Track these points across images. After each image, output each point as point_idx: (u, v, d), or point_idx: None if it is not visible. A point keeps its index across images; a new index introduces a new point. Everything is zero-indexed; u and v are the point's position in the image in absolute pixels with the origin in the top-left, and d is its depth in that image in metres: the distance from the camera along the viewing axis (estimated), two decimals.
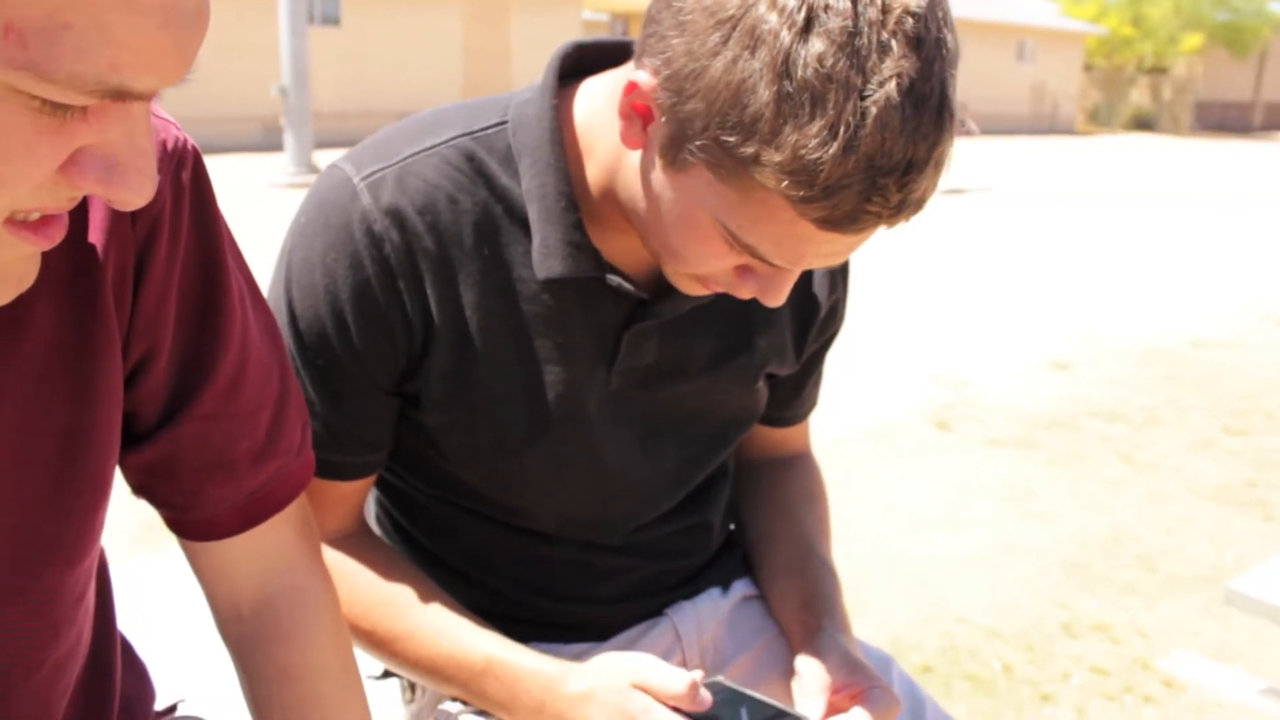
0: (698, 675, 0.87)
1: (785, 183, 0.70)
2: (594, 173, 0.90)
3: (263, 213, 9.56)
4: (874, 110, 0.68)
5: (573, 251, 0.90)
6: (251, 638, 0.80)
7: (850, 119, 0.68)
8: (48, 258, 0.62)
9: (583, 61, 0.94)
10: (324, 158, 13.73)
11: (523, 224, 0.91)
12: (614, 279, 0.91)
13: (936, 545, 3.15)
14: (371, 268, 0.88)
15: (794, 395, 1.16)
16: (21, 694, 0.67)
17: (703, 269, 0.83)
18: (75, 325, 0.64)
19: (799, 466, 1.21)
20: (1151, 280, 7.96)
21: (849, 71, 0.67)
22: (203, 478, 0.75)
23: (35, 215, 0.51)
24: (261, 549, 0.80)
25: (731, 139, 0.72)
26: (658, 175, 0.81)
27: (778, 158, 0.70)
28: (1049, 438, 4.22)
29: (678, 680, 0.85)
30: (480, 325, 0.92)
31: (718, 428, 1.06)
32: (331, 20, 18.89)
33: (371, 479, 1.00)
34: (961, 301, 6.94)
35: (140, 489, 0.77)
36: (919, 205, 0.74)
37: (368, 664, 1.09)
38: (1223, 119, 38.40)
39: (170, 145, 0.68)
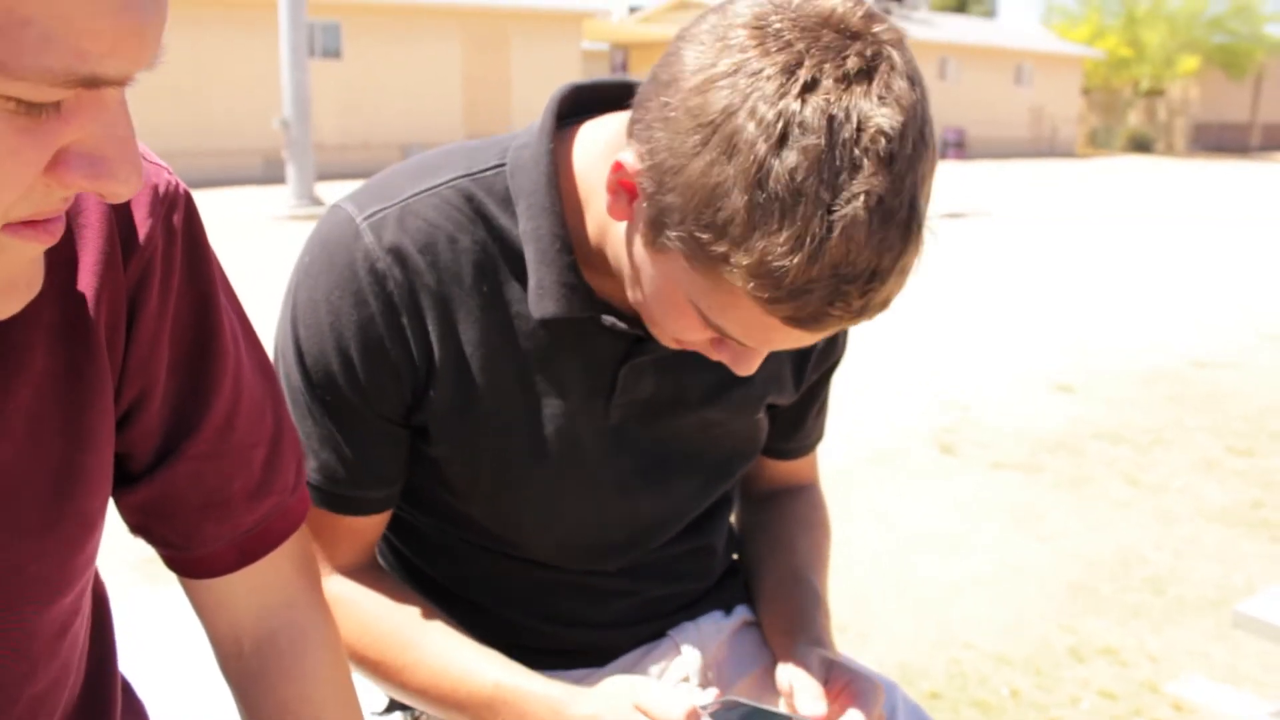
0: (703, 699, 0.86)
1: (752, 284, 0.73)
2: (590, 221, 0.92)
3: (265, 245, 9.60)
4: (840, 225, 0.70)
5: (567, 293, 0.91)
6: (252, 673, 0.80)
7: (816, 231, 0.70)
8: (42, 301, 0.62)
9: (580, 102, 0.96)
10: (326, 190, 13.79)
11: (520, 263, 0.93)
12: (608, 319, 0.93)
13: (942, 569, 3.14)
14: (375, 305, 0.90)
15: (796, 427, 1.16)
16: None
17: (678, 335, 0.86)
18: (69, 367, 0.64)
19: (801, 497, 1.21)
20: (1152, 301, 7.97)
21: (819, 187, 0.70)
22: (199, 516, 0.75)
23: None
24: (260, 585, 0.80)
25: (705, 236, 0.74)
26: (640, 250, 0.83)
27: (746, 261, 0.72)
28: (1053, 460, 4.21)
29: (678, 706, 0.85)
30: (480, 361, 0.93)
31: (719, 460, 1.06)
32: (332, 53, 19.03)
33: (386, 515, 1.01)
34: (964, 325, 6.95)
35: (137, 528, 0.77)
36: (883, 307, 0.77)
37: (371, 698, 1.09)
38: (1220, 140, 38.51)
39: (161, 189, 0.68)
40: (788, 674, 0.94)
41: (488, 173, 0.94)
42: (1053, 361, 5.95)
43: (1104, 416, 4.86)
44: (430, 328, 0.92)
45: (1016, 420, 4.77)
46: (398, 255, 0.90)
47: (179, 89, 17.07)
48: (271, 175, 17.24)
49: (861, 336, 5.58)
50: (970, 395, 5.18)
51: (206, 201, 13.84)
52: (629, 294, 0.88)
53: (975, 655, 2.62)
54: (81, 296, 0.64)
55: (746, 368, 0.86)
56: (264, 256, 8.65)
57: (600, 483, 1.00)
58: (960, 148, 28.44)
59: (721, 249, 0.73)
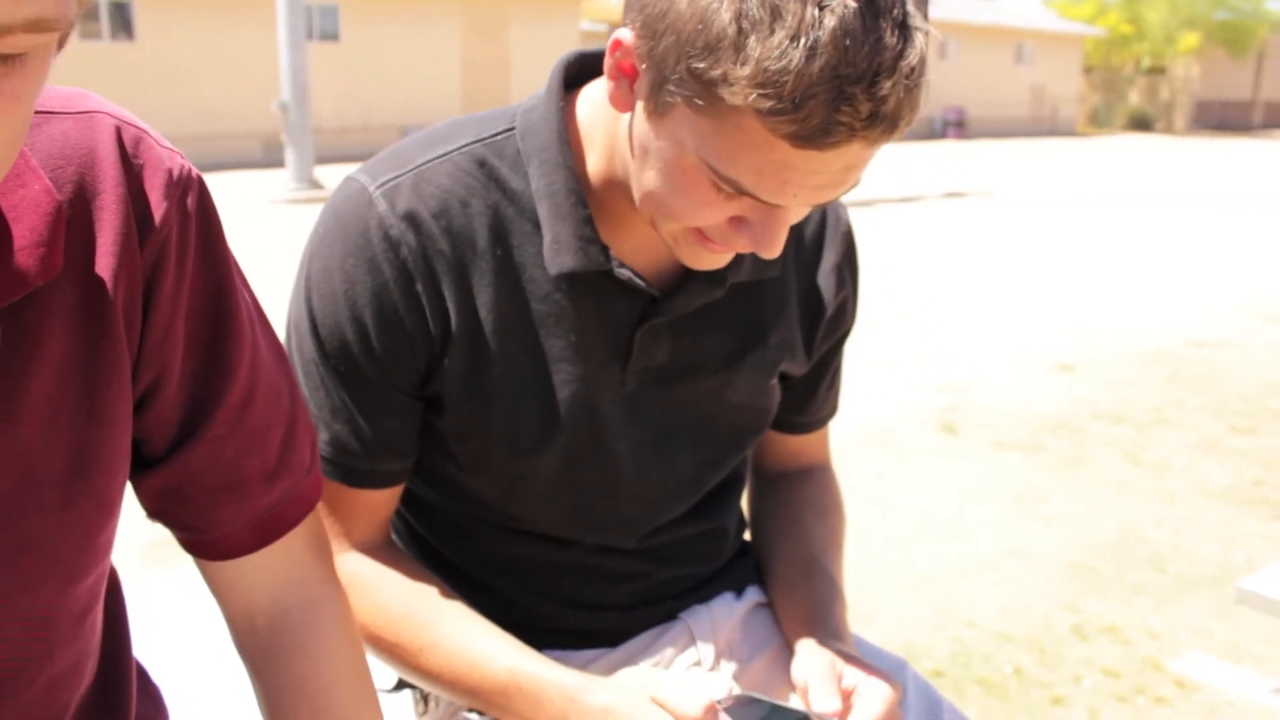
0: (717, 690, 0.87)
1: (753, 96, 0.72)
2: (596, 165, 0.93)
3: (265, 229, 9.59)
4: (831, 19, 0.69)
5: (584, 246, 0.92)
6: (266, 650, 0.81)
7: (809, 28, 0.69)
8: (61, 284, 0.63)
9: (584, 70, 0.97)
10: (325, 173, 13.77)
11: (534, 224, 0.94)
12: (624, 272, 0.93)
13: (944, 549, 3.15)
14: (389, 271, 0.90)
15: (808, 398, 1.16)
16: (10, 710, 0.67)
17: (695, 221, 0.84)
18: (87, 348, 0.65)
19: (814, 479, 1.20)
20: (1153, 281, 7.97)
21: None
22: (215, 499, 0.76)
23: None
24: (275, 565, 0.80)
25: (701, 65, 0.73)
26: (644, 129, 0.82)
27: (744, 72, 0.71)
28: (1055, 440, 4.22)
29: (695, 701, 0.85)
30: (495, 325, 0.94)
31: (732, 431, 1.07)
32: (330, 36, 18.95)
33: (398, 489, 1.01)
34: (965, 305, 6.95)
35: (155, 513, 0.78)
36: (893, 120, 0.74)
37: (380, 676, 1.10)
38: (1222, 118, 38.40)
39: (175, 173, 0.69)
40: (803, 668, 0.94)
41: (498, 137, 0.95)
42: (1053, 342, 5.95)
43: (1105, 396, 4.87)
44: (445, 293, 0.92)
45: (1017, 400, 4.77)
46: (411, 221, 0.91)
47: (177, 72, 17.02)
48: (270, 159, 17.19)
49: (863, 317, 5.57)
50: (971, 376, 5.18)
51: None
52: (636, 191, 0.87)
53: (978, 634, 2.64)
54: (100, 279, 0.65)
55: (770, 243, 0.83)
56: (264, 240, 8.64)
57: (614, 451, 1.00)
58: (960, 127, 28.35)
59: (719, 71, 0.72)
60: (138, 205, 0.67)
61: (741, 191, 0.79)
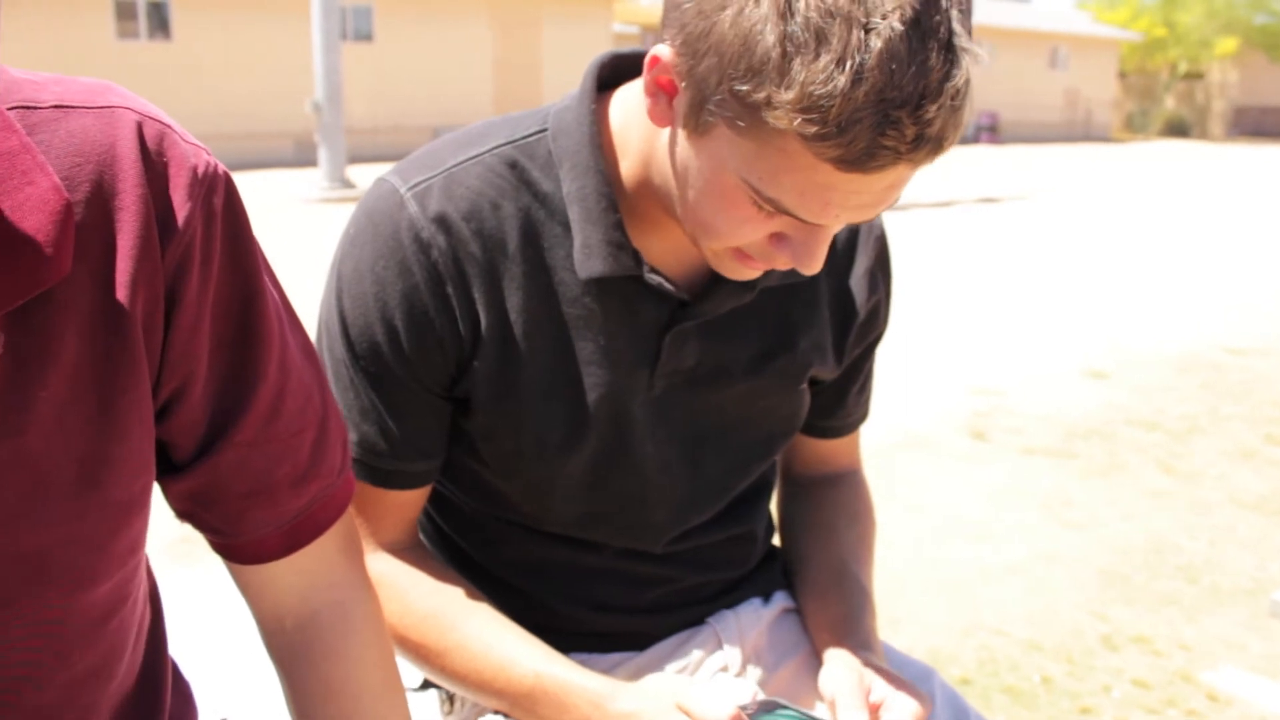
0: (743, 696, 0.86)
1: (798, 121, 0.71)
2: (629, 169, 0.92)
3: (297, 228, 9.65)
4: (878, 42, 0.68)
5: (614, 251, 0.91)
6: (295, 651, 0.81)
7: (855, 52, 0.68)
8: (77, 287, 0.61)
9: (618, 71, 0.97)
10: (357, 172, 13.84)
11: (564, 227, 0.93)
12: (654, 278, 0.92)
13: (974, 555, 3.13)
14: (420, 274, 0.90)
15: (838, 403, 1.15)
16: (29, 711, 0.66)
17: (736, 239, 0.83)
18: (103, 355, 0.63)
19: (845, 484, 1.19)
20: (1187, 287, 7.87)
21: (851, 6, 0.69)
22: (245, 504, 0.74)
23: None
24: (305, 567, 0.79)
25: (744, 87, 0.72)
26: (684, 147, 0.82)
27: (788, 96, 0.70)
28: (1086, 447, 4.18)
29: (720, 709, 0.85)
30: (524, 328, 0.93)
31: (760, 436, 1.06)
32: (364, 36, 19.06)
33: (426, 490, 1.01)
34: (997, 310, 6.89)
35: (184, 515, 0.76)
36: (938, 143, 0.73)
37: (406, 675, 1.10)
38: (1260, 124, 37.91)
39: (200, 171, 0.67)
40: (831, 680, 0.93)
41: (530, 138, 0.95)
42: (1087, 347, 5.90)
43: (1138, 403, 4.82)
44: (475, 295, 0.92)
45: (1049, 406, 4.73)
46: (442, 223, 0.91)
47: (211, 72, 17.17)
48: (303, 158, 17.31)
49: (895, 321, 5.53)
50: (1003, 381, 5.14)
51: (238, 184, 13.87)
52: (680, 218, 0.87)
53: (1006, 642, 2.61)
54: (117, 283, 0.63)
55: (811, 260, 0.83)
56: (296, 239, 8.70)
57: (642, 455, 0.99)
58: (994, 132, 28.15)
59: (762, 94, 0.71)
60: (159, 205, 0.65)
61: (783, 211, 0.78)
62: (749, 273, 0.89)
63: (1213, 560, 3.13)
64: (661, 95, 0.82)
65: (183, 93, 16.44)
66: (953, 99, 0.71)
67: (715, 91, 0.75)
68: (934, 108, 0.70)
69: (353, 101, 16.90)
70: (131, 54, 16.43)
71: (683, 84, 0.78)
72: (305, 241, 8.39)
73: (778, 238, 0.83)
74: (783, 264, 0.85)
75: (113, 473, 0.65)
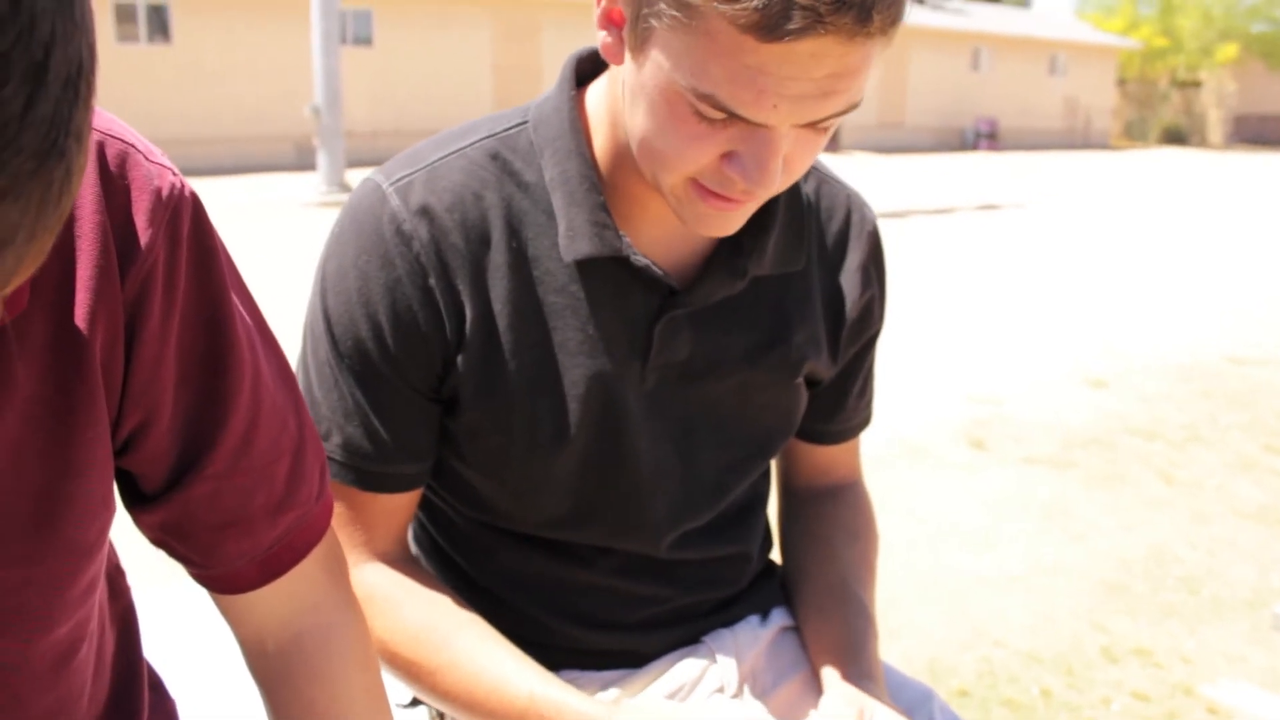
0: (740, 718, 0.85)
1: None
2: (608, 146, 0.93)
3: (296, 232, 9.64)
4: None
5: (598, 230, 0.91)
6: (278, 674, 0.78)
7: None
8: (31, 320, 0.58)
9: (598, 65, 0.97)
10: (356, 176, 13.84)
11: (548, 215, 0.93)
12: (640, 259, 0.92)
13: (972, 565, 3.11)
14: (402, 266, 0.90)
15: (838, 405, 1.13)
16: None
17: (688, 163, 0.81)
18: (58, 390, 0.60)
19: (845, 499, 1.17)
20: (1187, 296, 7.87)
21: None
22: (219, 535, 0.72)
23: None
24: (286, 590, 0.77)
25: None
26: (630, 73, 0.82)
27: None
28: (1086, 456, 4.16)
29: None
30: (510, 319, 0.92)
31: (756, 433, 1.04)
32: (364, 40, 19.07)
33: (415, 495, 0.99)
34: (996, 318, 6.88)
35: (158, 544, 0.74)
36: (864, 9, 0.70)
37: (395, 692, 1.08)
38: (1260, 132, 37.95)
39: (165, 193, 0.63)
40: (830, 712, 0.92)
41: (511, 130, 0.96)
42: (1085, 356, 5.88)
43: (1137, 412, 4.80)
44: (459, 286, 0.91)
45: (1048, 415, 4.71)
46: (424, 215, 0.90)
47: (211, 75, 17.17)
48: (303, 162, 17.30)
49: (894, 328, 5.52)
50: (1002, 389, 5.13)
51: (237, 187, 13.91)
52: (634, 149, 0.85)
53: (1005, 653, 2.59)
54: (74, 315, 0.60)
55: (762, 174, 0.79)
56: (295, 243, 8.69)
57: (634, 450, 0.97)
58: (993, 139, 28.17)
59: None
60: (119, 230, 0.61)
61: (719, 107, 0.76)
62: (717, 218, 0.86)
63: (1213, 571, 3.11)
64: (613, 28, 0.83)
65: (182, 96, 16.44)
66: None
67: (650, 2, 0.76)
68: None
69: (352, 106, 16.91)
70: (131, 57, 16.41)
71: (625, 8, 0.80)
72: (303, 246, 8.38)
73: (729, 157, 0.80)
74: (740, 191, 0.82)
75: (71, 511, 0.62)
